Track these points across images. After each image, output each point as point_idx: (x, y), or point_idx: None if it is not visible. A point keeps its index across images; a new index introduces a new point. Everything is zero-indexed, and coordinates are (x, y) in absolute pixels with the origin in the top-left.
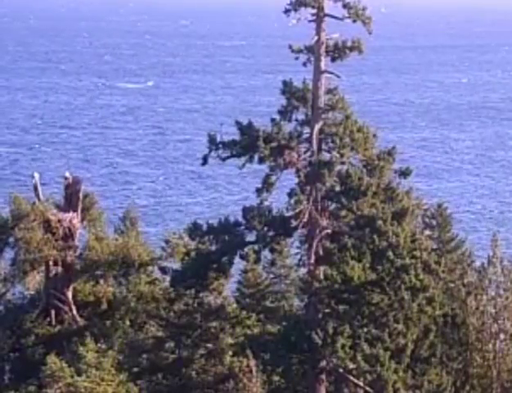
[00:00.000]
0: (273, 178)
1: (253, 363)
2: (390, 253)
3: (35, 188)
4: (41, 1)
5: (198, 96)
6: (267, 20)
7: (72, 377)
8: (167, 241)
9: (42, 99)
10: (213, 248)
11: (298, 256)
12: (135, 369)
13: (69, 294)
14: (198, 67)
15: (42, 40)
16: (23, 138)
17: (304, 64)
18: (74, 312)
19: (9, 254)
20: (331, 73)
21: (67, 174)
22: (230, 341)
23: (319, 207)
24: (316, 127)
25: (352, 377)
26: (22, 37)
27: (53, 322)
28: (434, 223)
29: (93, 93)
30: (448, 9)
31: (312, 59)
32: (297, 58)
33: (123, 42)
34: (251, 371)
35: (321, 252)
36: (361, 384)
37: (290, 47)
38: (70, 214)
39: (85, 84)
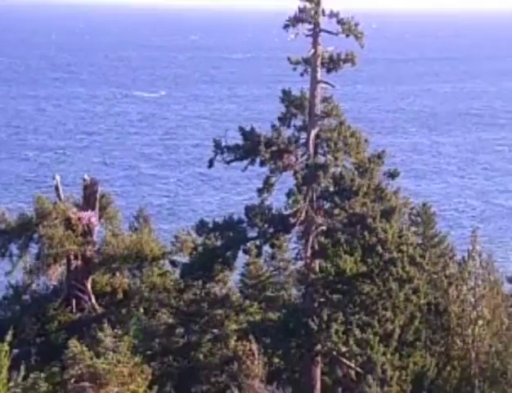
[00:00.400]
0: (273, 179)
1: (255, 346)
2: (379, 247)
3: (56, 189)
4: (61, 19)
5: (205, 104)
6: (269, 35)
7: (91, 359)
8: (176, 237)
9: (65, 107)
10: (219, 243)
11: (296, 251)
12: (148, 352)
13: (89, 285)
14: (206, 78)
15: (63, 54)
16: (47, 143)
17: (302, 74)
18: (93, 301)
19: (34, 248)
20: (326, 83)
21: (85, 176)
22: (234, 326)
23: (315, 206)
24: (313, 132)
25: (344, 360)
26: (45, 51)
27: (74, 310)
28: (419, 220)
29: (111, 102)
30: (437, 23)
31: (309, 70)
32: (295, 69)
33: (137, 56)
34: (253, 354)
35: (316, 247)
36: (353, 365)
37: (289, 59)
38: (89, 213)
39: (103, 94)
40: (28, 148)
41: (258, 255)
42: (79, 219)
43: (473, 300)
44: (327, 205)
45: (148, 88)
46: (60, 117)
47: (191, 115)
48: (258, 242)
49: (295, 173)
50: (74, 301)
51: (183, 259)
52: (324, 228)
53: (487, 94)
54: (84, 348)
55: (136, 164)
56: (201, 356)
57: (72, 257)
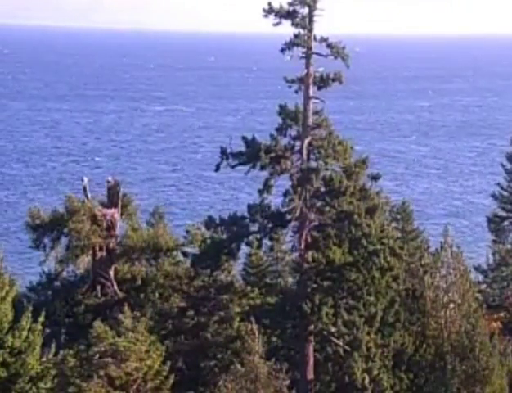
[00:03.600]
0: (272, 181)
1: (255, 327)
2: (364, 240)
3: (84, 189)
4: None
5: (214, 116)
6: (269, 57)
7: (113, 337)
8: (188, 231)
9: (94, 119)
10: (224, 236)
11: (291, 243)
12: (163, 332)
13: (111, 273)
14: (215, 93)
15: (91, 74)
16: (79, 149)
17: (296, 91)
18: (115, 287)
19: (64, 241)
20: (317, 98)
21: (109, 179)
22: (237, 309)
23: (308, 204)
24: (306, 141)
25: (333, 338)
26: (74, 71)
27: (98, 295)
28: (399, 216)
29: (134, 114)
30: (418, 45)
31: (302, 87)
32: (290, 87)
33: (157, 75)
34: (254, 333)
35: (309, 240)
36: (341, 344)
37: (285, 78)
38: (112, 210)
39: (127, 108)
40: (62, 154)
41: (259, 247)
42: (104, 215)
43: (445, 286)
44: (318, 204)
45: (165, 103)
46: (90, 127)
47: (201, 125)
48: (258, 236)
49: (291, 176)
50: (98, 287)
51: (193, 250)
52: (316, 223)
53: (459, 109)
54: (107, 328)
55: (153, 168)
56: (209, 335)
57: (97, 248)
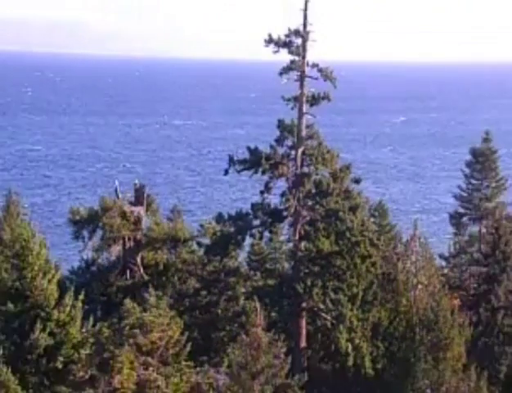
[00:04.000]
0: (271, 184)
1: (258, 304)
2: (347, 233)
3: (116, 190)
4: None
5: (224, 129)
6: (268, 79)
7: (140, 313)
8: (201, 225)
9: (124, 132)
10: (232, 230)
11: (287, 235)
12: (181, 308)
13: (138, 259)
14: (225, 110)
15: (122, 94)
16: (112, 157)
17: (292, 108)
18: (141, 271)
19: (99, 233)
20: (310, 114)
21: (136, 182)
22: (242, 290)
23: (301, 203)
24: (300, 150)
25: (322, 314)
26: (109, 91)
27: (128, 278)
28: (377, 213)
29: (158, 128)
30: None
31: (297, 105)
32: (287, 104)
33: (176, 95)
34: (257, 310)
35: (302, 232)
36: (329, 318)
37: (283, 97)
38: (138, 208)
39: (152, 122)
40: (98, 161)
41: (260, 238)
42: (131, 212)
43: (414, 270)
44: (310, 203)
45: (184, 118)
46: (121, 138)
47: (213, 136)
48: (260, 229)
49: (287, 179)
50: (127, 271)
51: (206, 241)
52: (308, 218)
53: (430, 123)
54: (135, 305)
55: (173, 173)
56: (219, 311)
57: (126, 239)
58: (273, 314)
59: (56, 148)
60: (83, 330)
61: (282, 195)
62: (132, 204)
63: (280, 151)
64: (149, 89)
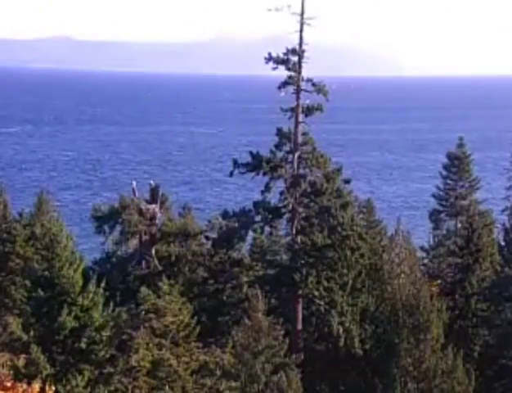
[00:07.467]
0: (271, 184)
1: (259, 292)
2: (339, 228)
3: (133, 190)
4: (132, 89)
5: (231, 136)
6: (269, 92)
7: (155, 299)
8: (209, 221)
9: (143, 138)
10: (236, 225)
11: (286, 230)
12: (191, 295)
13: (153, 251)
14: (234, 120)
15: (154, 108)
16: (130, 161)
17: (289, 118)
18: (156, 262)
19: (118, 228)
20: (305, 123)
21: (152, 182)
22: (245, 279)
23: (298, 201)
24: (296, 154)
25: (316, 300)
26: (137, 106)
27: (144, 268)
28: (365, 210)
29: (173, 135)
30: (394, 86)
31: (294, 115)
32: (285, 114)
33: (194, 108)
34: (258, 296)
35: (298, 227)
36: (322, 304)
37: (281, 108)
38: (153, 206)
39: (181, 131)
40: (119, 164)
41: (261, 232)
42: (147, 209)
43: (398, 261)
44: (305, 201)
45: (207, 127)
46: (141, 144)
47: (221, 143)
48: (261, 224)
49: (285, 180)
50: (143, 262)
51: (213, 235)
52: (303, 215)
53: (419, 131)
54: (150, 292)
55: (185, 174)
56: (224, 298)
57: (142, 234)
58: (273, 301)
59: (84, 152)
60: (104, 314)
61: (281, 194)
62: (147, 202)
63: (279, 155)
64: (172, 102)
